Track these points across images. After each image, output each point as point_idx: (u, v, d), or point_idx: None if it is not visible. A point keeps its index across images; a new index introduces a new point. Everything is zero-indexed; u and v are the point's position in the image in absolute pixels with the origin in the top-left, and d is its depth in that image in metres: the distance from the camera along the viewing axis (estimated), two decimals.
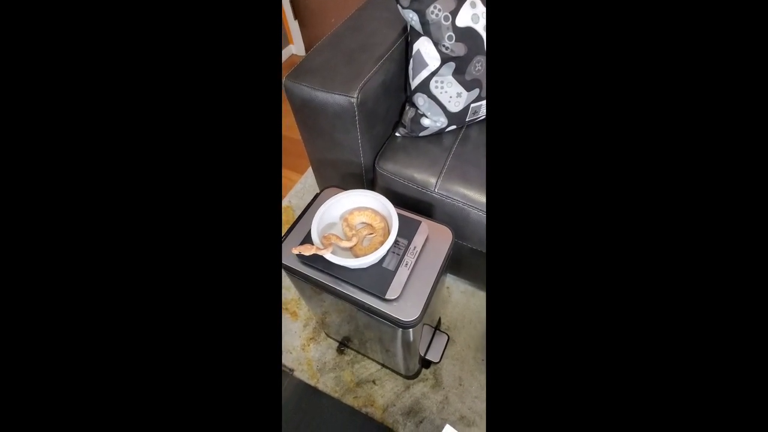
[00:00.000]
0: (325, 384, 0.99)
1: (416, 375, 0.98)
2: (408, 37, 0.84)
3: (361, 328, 0.79)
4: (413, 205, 0.87)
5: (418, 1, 0.72)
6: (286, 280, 1.14)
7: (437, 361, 0.96)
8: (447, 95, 0.81)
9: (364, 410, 0.95)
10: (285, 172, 1.50)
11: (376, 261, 0.64)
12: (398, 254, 0.65)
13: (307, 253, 0.61)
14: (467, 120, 0.89)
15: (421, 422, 0.93)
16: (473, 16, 0.74)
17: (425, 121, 0.85)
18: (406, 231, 0.67)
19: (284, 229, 1.22)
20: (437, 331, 1.02)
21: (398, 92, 0.90)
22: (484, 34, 0.76)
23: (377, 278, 0.63)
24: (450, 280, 1.15)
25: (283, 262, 0.68)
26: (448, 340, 1.01)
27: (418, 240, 0.67)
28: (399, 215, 0.66)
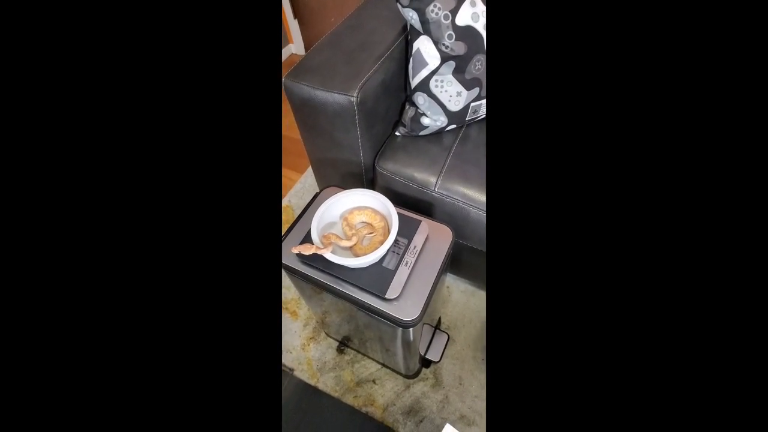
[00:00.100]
0: (325, 383, 0.99)
1: (416, 374, 0.98)
2: (408, 35, 0.84)
3: (361, 327, 0.79)
4: (413, 204, 0.87)
5: None
6: (286, 280, 1.14)
7: (437, 360, 0.96)
8: (447, 94, 0.81)
9: (364, 410, 0.95)
10: (285, 172, 1.50)
11: (376, 260, 0.64)
12: (398, 253, 0.65)
13: (306, 253, 0.61)
14: (467, 119, 0.89)
15: (421, 421, 0.93)
16: (473, 15, 0.74)
17: (425, 120, 0.85)
18: (406, 230, 0.67)
19: (284, 229, 1.22)
20: (437, 331, 1.02)
21: (398, 91, 0.90)
22: (484, 33, 0.76)
23: (377, 277, 0.63)
24: (450, 279, 1.15)
25: (283, 261, 0.68)
26: (448, 339, 1.01)
27: (418, 239, 0.67)
28: (399, 214, 0.66)
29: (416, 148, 0.88)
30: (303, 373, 1.01)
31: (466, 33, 0.74)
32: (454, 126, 0.89)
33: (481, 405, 0.94)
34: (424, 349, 0.94)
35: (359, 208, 0.69)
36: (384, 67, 0.80)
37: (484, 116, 0.92)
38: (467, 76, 0.79)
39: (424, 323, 0.70)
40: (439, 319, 1.07)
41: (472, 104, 0.85)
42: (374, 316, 0.63)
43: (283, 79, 0.80)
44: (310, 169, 1.48)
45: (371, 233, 0.67)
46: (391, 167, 0.87)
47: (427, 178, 0.84)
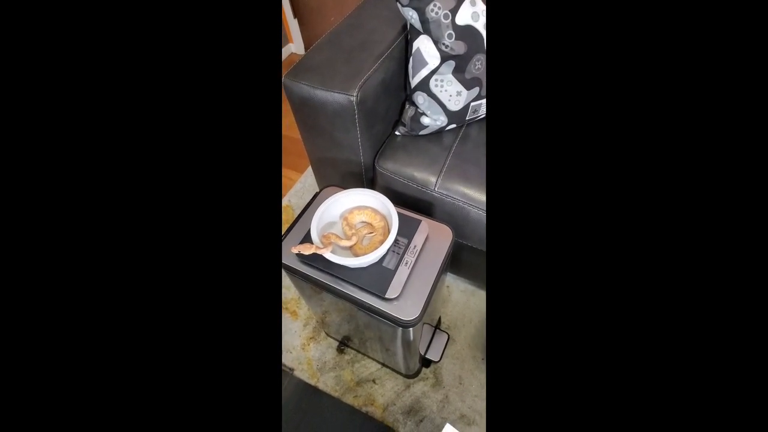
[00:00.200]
0: (325, 383, 0.99)
1: (416, 374, 0.98)
2: (408, 35, 0.83)
3: (361, 327, 0.79)
4: (413, 204, 0.86)
5: None
6: (285, 280, 1.14)
7: (437, 360, 0.96)
8: (447, 94, 0.80)
9: (364, 409, 0.95)
10: (285, 171, 1.50)
11: (376, 260, 0.64)
12: (398, 253, 0.65)
13: (306, 253, 0.61)
14: (467, 119, 0.88)
15: (421, 421, 0.93)
16: (473, 14, 0.74)
17: (425, 120, 0.85)
18: (406, 230, 0.67)
19: (284, 229, 1.22)
20: (437, 330, 1.02)
21: (398, 91, 0.90)
22: (484, 33, 0.76)
23: (377, 277, 0.63)
24: (450, 279, 1.15)
25: (283, 261, 0.67)
26: (448, 339, 1.01)
27: (418, 239, 0.67)
28: (399, 214, 0.66)
29: (416, 148, 0.88)
30: (303, 373, 1.01)
31: (466, 32, 0.74)
32: (454, 125, 0.88)
33: (481, 404, 0.94)
34: (424, 349, 0.94)
35: (359, 208, 0.69)
36: (384, 67, 0.80)
37: (484, 116, 0.92)
38: (467, 76, 0.79)
39: (424, 323, 0.70)
40: (439, 318, 1.07)
41: (472, 104, 0.85)
42: (374, 315, 0.63)
43: (282, 78, 0.80)
44: (310, 168, 1.48)
45: (371, 233, 0.67)
46: (391, 167, 0.87)
47: (427, 178, 0.83)
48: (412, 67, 0.80)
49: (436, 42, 0.75)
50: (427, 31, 0.74)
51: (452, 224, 0.71)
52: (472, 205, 0.80)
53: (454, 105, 0.82)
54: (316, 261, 0.64)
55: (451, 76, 0.78)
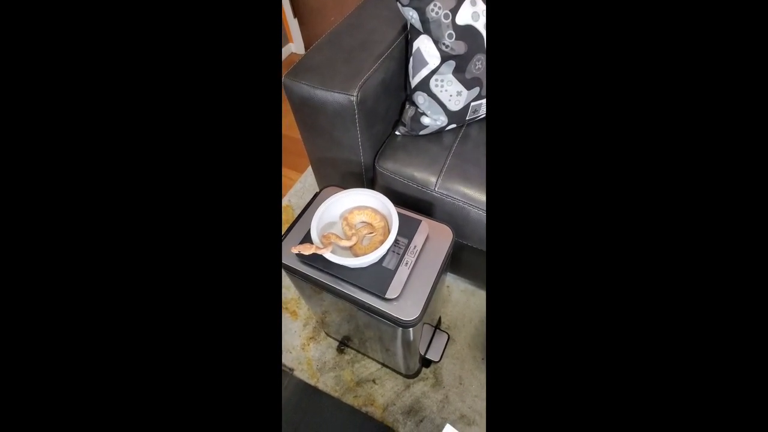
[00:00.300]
0: (325, 383, 0.99)
1: (416, 374, 0.98)
2: (408, 35, 0.83)
3: (361, 327, 0.79)
4: (413, 204, 0.86)
5: None
6: (285, 280, 1.14)
7: (437, 360, 0.96)
8: (447, 94, 0.80)
9: (364, 409, 0.95)
10: (285, 171, 1.50)
11: (376, 260, 0.64)
12: (398, 253, 0.65)
13: (306, 253, 0.61)
14: (467, 119, 0.88)
15: (421, 421, 0.93)
16: (473, 14, 0.74)
17: (425, 120, 0.85)
18: (406, 230, 0.67)
19: (284, 229, 1.22)
20: (437, 330, 1.02)
21: (398, 91, 0.90)
22: (484, 32, 0.76)
23: (377, 277, 0.63)
24: (450, 279, 1.15)
25: (282, 261, 0.67)
26: (448, 339, 1.01)
27: (418, 239, 0.67)
28: (399, 214, 0.66)
29: (416, 148, 0.88)
30: (303, 373, 1.01)
31: (466, 32, 0.74)
32: (454, 125, 0.88)
33: (481, 404, 0.94)
34: (424, 349, 0.94)
35: (359, 208, 0.69)
36: (384, 67, 0.80)
37: (484, 116, 0.92)
38: (467, 76, 0.79)
39: (424, 323, 0.70)
40: (439, 318, 1.07)
41: (472, 104, 0.85)
42: (374, 316, 0.63)
43: (282, 78, 0.80)
44: (309, 168, 1.48)
45: (371, 233, 0.67)
46: (391, 167, 0.87)
47: (427, 178, 0.83)
48: (412, 67, 0.80)
49: (436, 42, 0.75)
50: (427, 30, 0.74)
51: (452, 224, 0.71)
52: (472, 205, 0.80)
53: (455, 105, 0.82)
54: (316, 261, 0.64)
55: (451, 76, 0.78)
